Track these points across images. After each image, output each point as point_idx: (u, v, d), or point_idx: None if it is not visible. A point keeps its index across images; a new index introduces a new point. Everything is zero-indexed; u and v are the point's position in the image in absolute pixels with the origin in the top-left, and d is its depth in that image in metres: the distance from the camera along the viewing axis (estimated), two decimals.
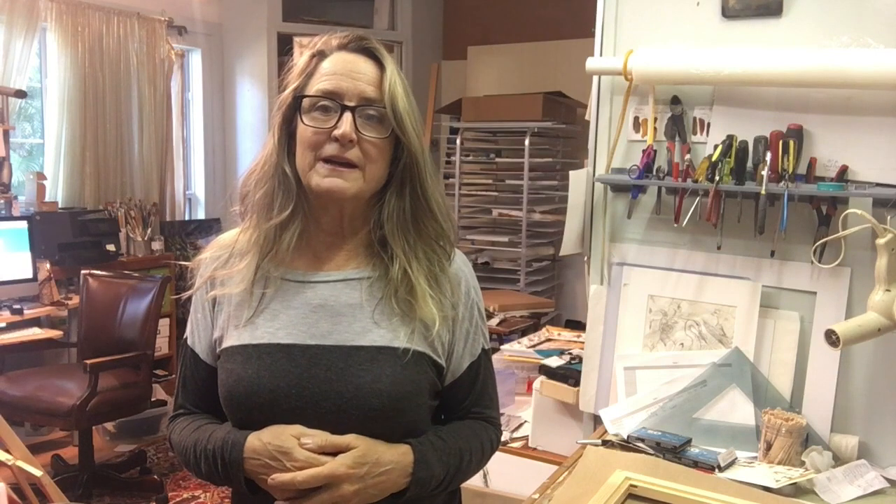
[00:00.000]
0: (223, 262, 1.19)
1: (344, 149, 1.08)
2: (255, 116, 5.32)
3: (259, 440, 1.07)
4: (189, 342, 1.21)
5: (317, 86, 1.11)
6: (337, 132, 1.07)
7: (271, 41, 5.19)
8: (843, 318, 1.67)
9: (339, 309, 1.13)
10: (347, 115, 1.08)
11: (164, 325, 4.30)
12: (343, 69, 1.11)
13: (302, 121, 1.10)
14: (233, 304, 1.16)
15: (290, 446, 1.05)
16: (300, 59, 1.15)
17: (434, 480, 1.13)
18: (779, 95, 1.74)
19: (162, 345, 4.31)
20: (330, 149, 1.08)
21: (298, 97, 1.11)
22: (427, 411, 1.17)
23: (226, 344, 1.15)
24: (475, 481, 2.05)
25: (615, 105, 1.94)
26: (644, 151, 1.85)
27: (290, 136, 1.13)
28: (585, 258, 2.02)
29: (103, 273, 3.74)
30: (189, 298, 1.22)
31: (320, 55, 1.13)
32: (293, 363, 1.10)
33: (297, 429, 1.07)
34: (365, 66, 1.11)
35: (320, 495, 1.05)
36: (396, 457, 1.09)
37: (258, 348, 1.12)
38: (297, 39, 5.50)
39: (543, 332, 2.71)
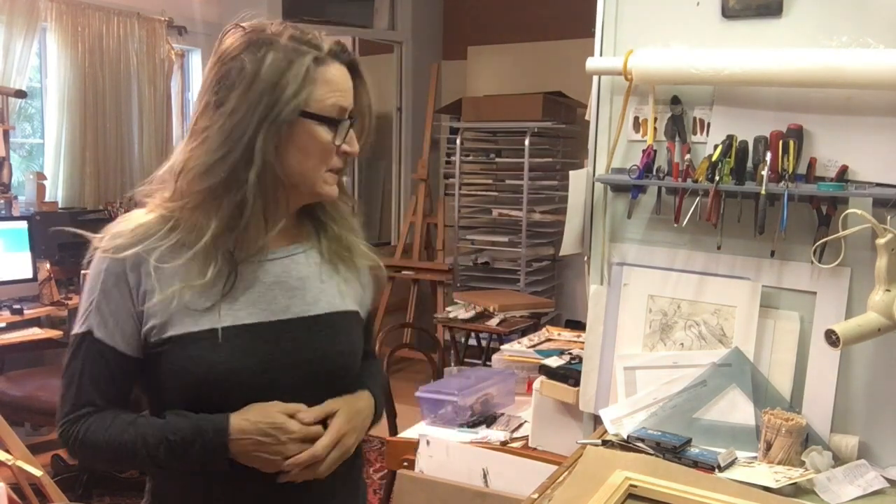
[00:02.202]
0: (164, 250, 1.13)
1: (346, 162, 1.20)
2: None
3: (246, 420, 1.12)
4: (97, 335, 1.15)
5: (328, 100, 1.14)
6: (349, 149, 1.18)
7: None
8: (843, 318, 1.67)
9: (291, 283, 1.22)
10: (352, 133, 1.19)
11: None
12: (344, 84, 1.18)
13: (314, 132, 1.14)
14: (186, 293, 1.13)
15: (281, 421, 1.13)
16: (297, 60, 1.12)
17: (380, 413, 1.35)
18: (779, 95, 1.74)
19: None
20: (338, 161, 1.19)
21: (309, 105, 1.13)
22: None
23: (178, 331, 1.13)
24: (475, 481, 2.05)
25: (615, 105, 1.94)
26: (644, 151, 1.85)
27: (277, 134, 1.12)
28: (585, 258, 2.02)
29: None
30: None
31: (318, 61, 1.14)
32: (261, 340, 1.16)
33: (279, 405, 1.15)
34: (349, 78, 1.19)
35: (332, 454, 1.18)
36: (365, 402, 1.28)
37: (225, 331, 1.14)
38: None
39: (543, 332, 2.71)
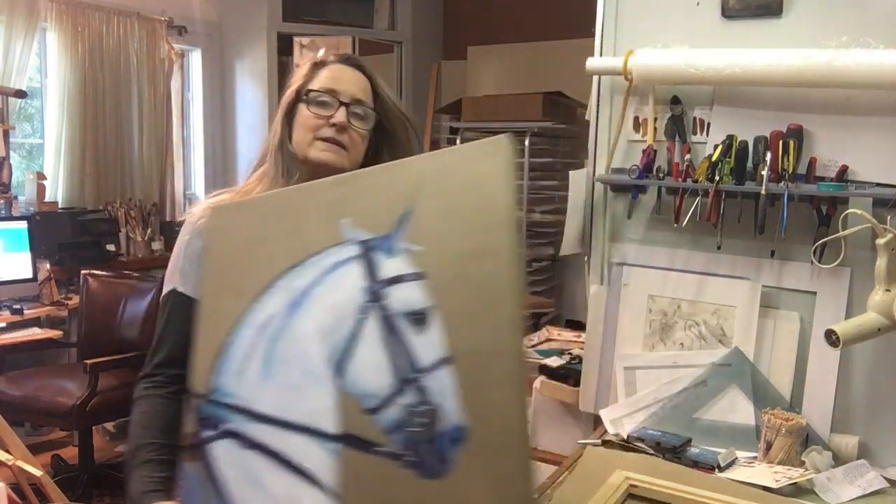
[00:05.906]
0: None
1: (339, 134, 1.33)
2: (255, 116, 5.31)
3: None
4: (181, 290, 1.31)
5: (319, 84, 1.36)
6: (335, 120, 1.33)
7: (271, 41, 5.18)
8: (843, 318, 1.67)
9: None
10: (342, 109, 1.34)
11: None
12: (339, 75, 1.37)
13: (308, 109, 1.34)
14: None
15: None
16: (302, 66, 1.39)
17: None
18: (779, 95, 1.74)
19: None
20: (327, 132, 1.33)
21: (306, 91, 1.35)
22: None
23: None
24: None
25: (615, 105, 1.94)
26: (644, 151, 1.85)
27: (289, 125, 1.37)
28: (585, 258, 2.02)
29: (103, 273, 3.74)
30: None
31: (321, 64, 1.38)
32: None
33: None
34: (354, 76, 1.38)
35: None
36: None
37: None
38: (297, 39, 5.50)
39: (543, 332, 2.71)
